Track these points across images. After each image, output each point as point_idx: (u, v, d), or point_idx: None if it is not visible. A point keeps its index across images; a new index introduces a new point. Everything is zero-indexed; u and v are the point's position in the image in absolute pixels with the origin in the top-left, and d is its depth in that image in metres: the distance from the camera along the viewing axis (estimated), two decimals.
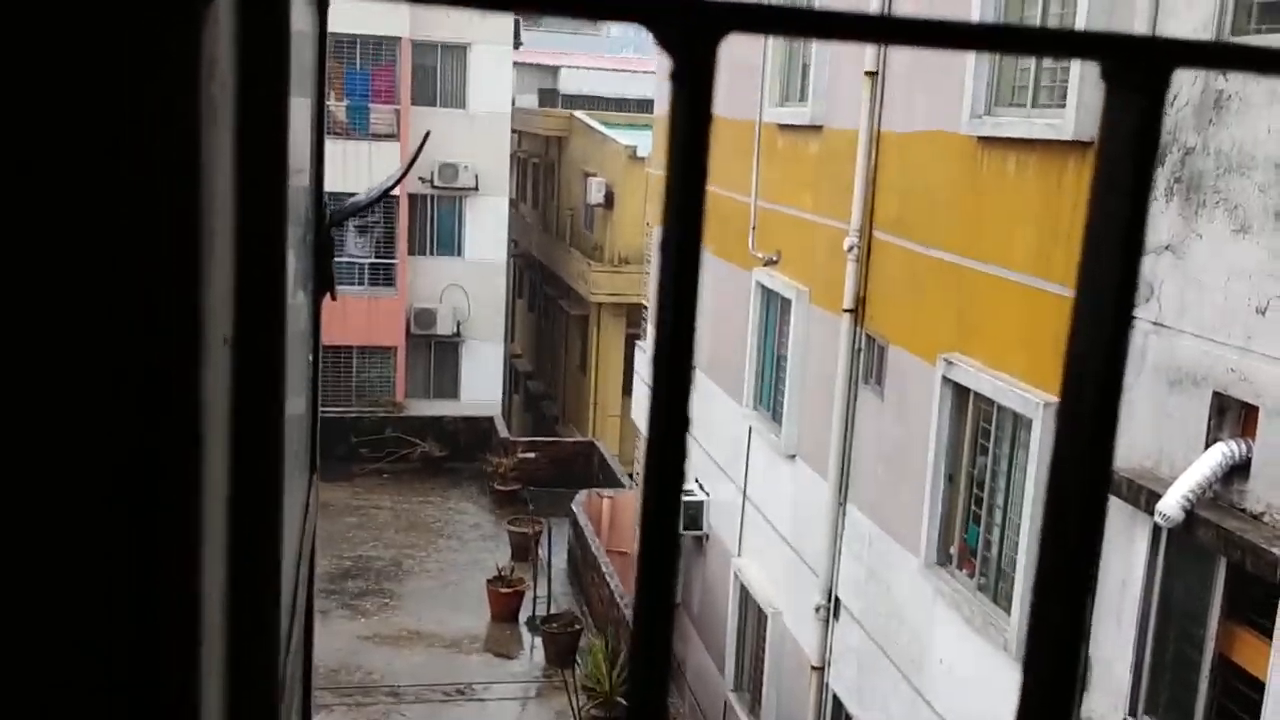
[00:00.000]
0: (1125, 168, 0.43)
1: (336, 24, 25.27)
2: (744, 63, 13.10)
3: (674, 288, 0.39)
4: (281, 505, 1.06)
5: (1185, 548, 6.40)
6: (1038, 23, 8.04)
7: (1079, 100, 7.25)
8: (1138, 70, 0.43)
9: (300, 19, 1.51)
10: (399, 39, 25.05)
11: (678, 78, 0.38)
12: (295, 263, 1.53)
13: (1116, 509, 6.88)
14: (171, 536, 0.62)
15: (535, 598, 17.71)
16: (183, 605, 0.63)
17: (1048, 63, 7.99)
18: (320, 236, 1.89)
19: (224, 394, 0.79)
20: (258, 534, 1.00)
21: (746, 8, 0.38)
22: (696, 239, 0.39)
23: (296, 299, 1.56)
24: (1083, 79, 7.24)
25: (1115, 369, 0.44)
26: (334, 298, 1.98)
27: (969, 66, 8.53)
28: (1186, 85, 6.36)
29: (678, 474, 0.40)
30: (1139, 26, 6.71)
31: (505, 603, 17.87)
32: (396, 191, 24.96)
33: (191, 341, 0.57)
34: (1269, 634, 5.84)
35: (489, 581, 18.08)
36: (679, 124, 0.39)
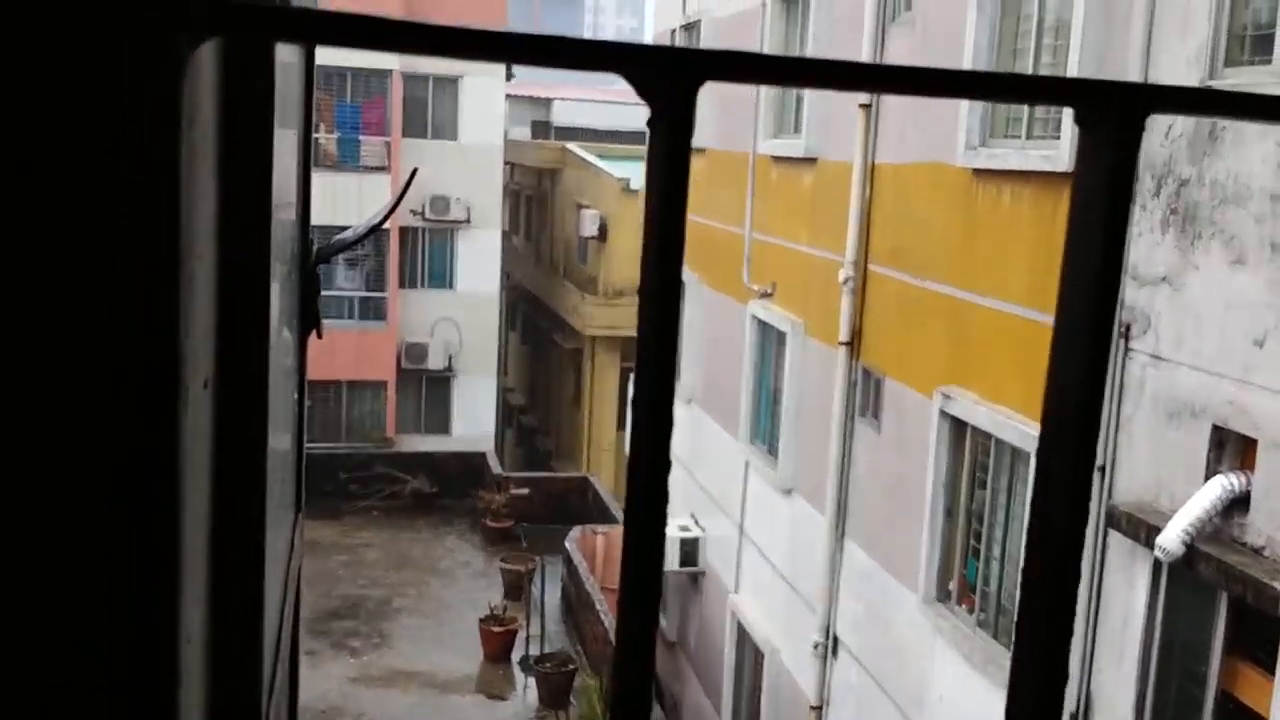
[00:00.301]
0: (1100, 211, 0.43)
1: (327, 57, 25.36)
2: (737, 95, 13.13)
3: (655, 328, 0.38)
4: (264, 549, 1.05)
5: (1186, 583, 6.33)
6: (1031, 55, 8.06)
7: (1074, 132, 7.23)
8: (1111, 116, 0.43)
9: (286, 54, 1.47)
10: (390, 71, 25.13)
11: (654, 125, 0.38)
12: (281, 300, 1.48)
13: (1116, 543, 6.81)
14: (150, 579, 0.62)
15: (528, 637, 17.55)
16: (161, 647, 0.64)
17: None
18: (306, 274, 1.84)
19: (205, 438, 0.79)
20: (240, 577, 1.00)
21: (721, 55, 0.39)
22: (676, 281, 0.39)
23: (281, 337, 1.51)
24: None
25: (1092, 411, 0.45)
26: (319, 335, 1.92)
27: (963, 100, 8.52)
28: (1181, 117, 6.34)
29: (659, 516, 0.42)
30: (1133, 59, 6.71)
31: (498, 642, 17.69)
32: (387, 225, 24.96)
33: (169, 387, 0.58)
34: (1272, 670, 5.76)
35: (481, 620, 17.91)
36: (656, 170, 0.38)
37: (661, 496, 0.42)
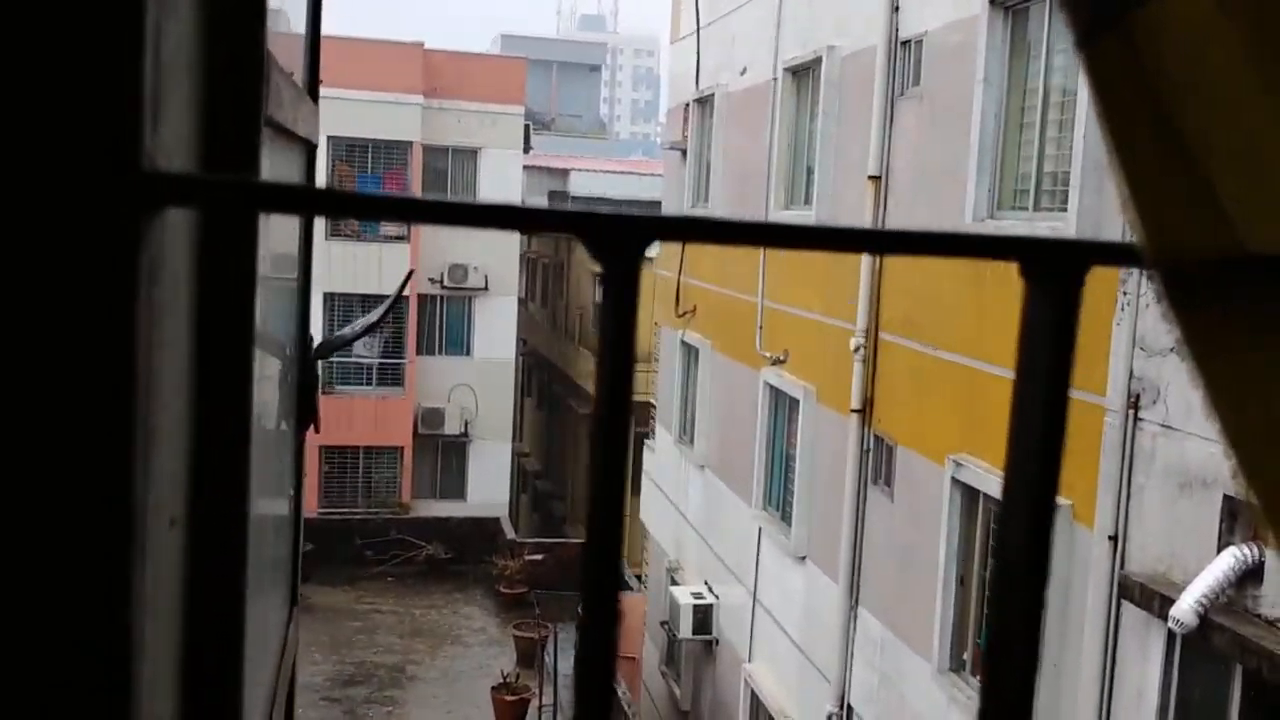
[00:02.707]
0: (1044, 358, 0.45)
1: (348, 128, 25.71)
2: (751, 166, 13.32)
3: (602, 475, 0.40)
4: (241, 680, 1.01)
5: (1200, 654, 6.28)
6: (1037, 129, 8.17)
7: (1080, 203, 7.33)
8: (1053, 269, 0.45)
9: (284, 164, 1.52)
10: (410, 143, 25.53)
11: (605, 280, 0.42)
12: (277, 399, 1.53)
13: (1130, 614, 6.77)
14: None
15: (541, 706, 17.37)
16: None
17: (1049, 166, 8.11)
18: (305, 369, 1.89)
19: (173, 577, 0.76)
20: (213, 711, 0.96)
21: (666, 220, 0.43)
22: (625, 426, 0.42)
23: (278, 432, 1.55)
24: (1083, 182, 7.32)
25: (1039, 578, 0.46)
26: (317, 430, 1.98)
27: (971, 170, 8.65)
28: None
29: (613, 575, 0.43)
30: None
31: (511, 711, 17.52)
32: (407, 293, 25.19)
33: (122, 531, 0.54)
34: None
35: (494, 689, 17.76)
36: (607, 319, 0.42)
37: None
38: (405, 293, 25.26)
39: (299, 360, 1.83)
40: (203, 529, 0.83)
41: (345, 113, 22.74)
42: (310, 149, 1.70)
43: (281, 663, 1.71)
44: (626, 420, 0.42)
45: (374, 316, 2.93)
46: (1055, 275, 0.45)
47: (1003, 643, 0.46)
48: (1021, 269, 0.46)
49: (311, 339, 1.97)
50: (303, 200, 0.43)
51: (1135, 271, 6.89)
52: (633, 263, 0.42)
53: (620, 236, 0.42)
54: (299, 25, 1.90)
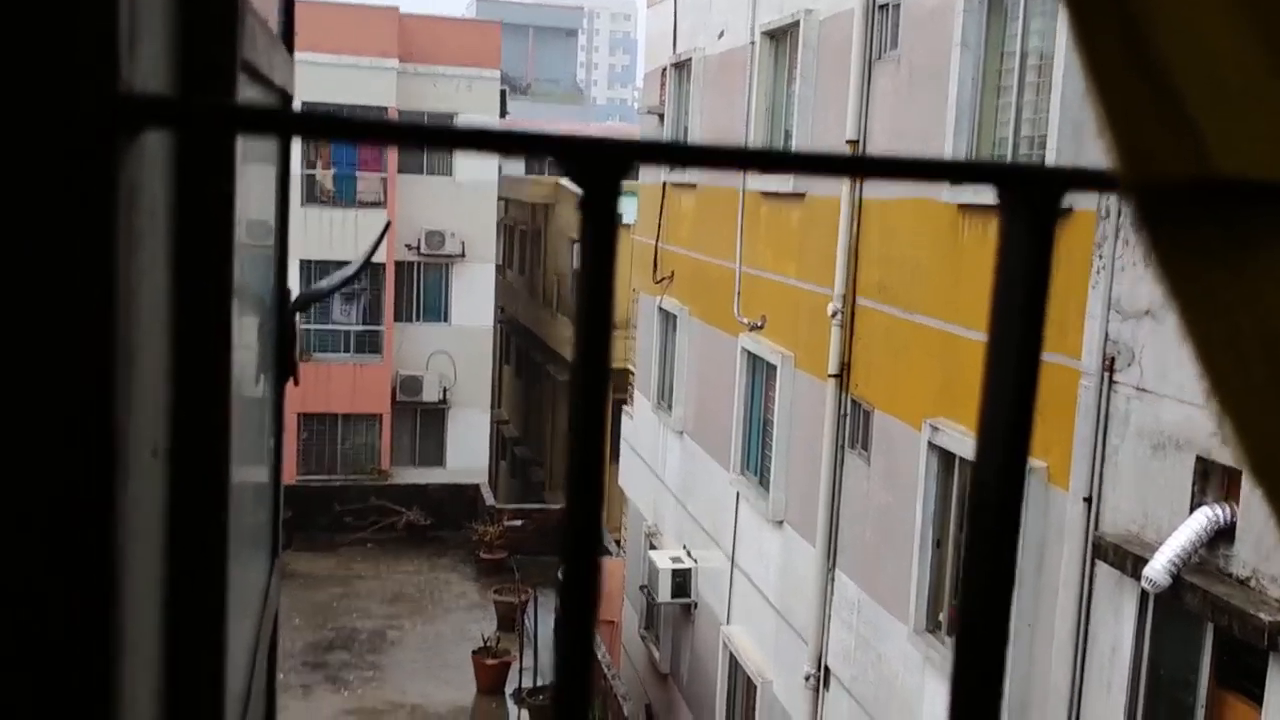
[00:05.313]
0: (1021, 288, 0.45)
1: (323, 93, 25.45)
2: (729, 130, 13.27)
3: (583, 403, 0.41)
4: (225, 625, 1.01)
5: (1173, 613, 6.37)
6: (1014, 92, 8.18)
7: (1058, 164, 7.34)
8: (1029, 197, 0.45)
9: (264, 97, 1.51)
10: (385, 109, 25.31)
11: (585, 206, 0.42)
12: (257, 349, 1.52)
13: (1104, 574, 6.86)
14: (89, 671, 0.56)
15: (522, 669, 17.48)
16: None
17: (1026, 129, 8.12)
18: (283, 322, 1.88)
19: (154, 506, 0.76)
20: (197, 671, 0.95)
21: (644, 144, 0.42)
22: (605, 359, 0.42)
23: (256, 387, 1.55)
24: (1060, 145, 7.34)
25: (1013, 509, 0.46)
26: (296, 383, 1.97)
27: (948, 135, 8.65)
28: None
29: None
30: None
31: (491, 674, 17.63)
32: (384, 260, 25.06)
33: (105, 465, 0.54)
34: (1259, 701, 5.80)
35: (475, 653, 17.85)
36: (586, 246, 0.42)
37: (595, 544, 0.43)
38: (383, 259, 25.10)
39: (278, 313, 1.82)
40: (184, 459, 0.83)
41: (319, 78, 22.50)
42: (286, 100, 1.69)
43: (264, 611, 1.72)
44: (608, 353, 0.42)
45: (351, 269, 2.91)
46: (1031, 202, 0.45)
47: (976, 600, 0.47)
48: (998, 197, 0.46)
49: (290, 291, 1.96)
50: (279, 122, 0.42)
51: (1111, 235, 6.92)
52: (613, 188, 0.42)
53: (600, 161, 0.42)
54: None
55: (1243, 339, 0.41)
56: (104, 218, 0.50)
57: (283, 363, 1.86)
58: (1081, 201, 6.96)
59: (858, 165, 0.47)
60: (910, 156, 0.47)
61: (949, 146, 8.62)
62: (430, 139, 0.43)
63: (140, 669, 0.71)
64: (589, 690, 0.43)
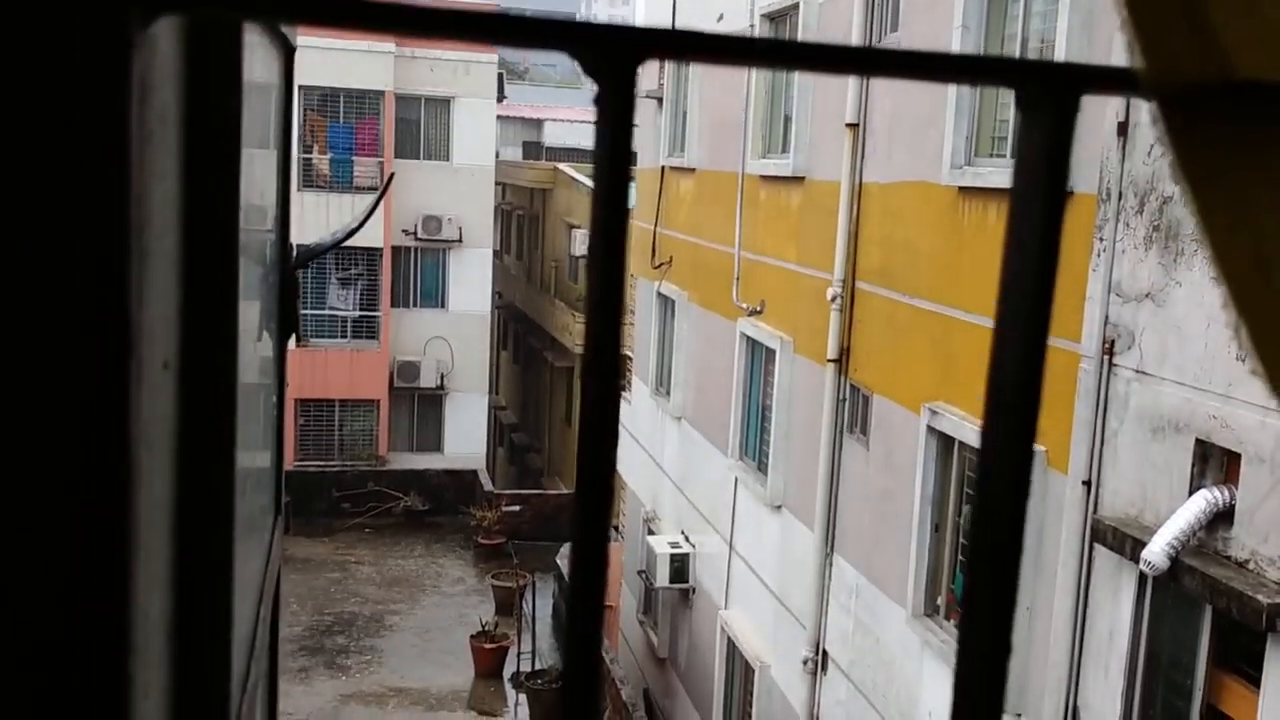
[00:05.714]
0: (1039, 190, 0.44)
1: (320, 78, 25.37)
2: (727, 116, 13.24)
3: (600, 307, 0.40)
4: (232, 539, 1.02)
5: (1171, 596, 6.38)
6: (1018, 38, 8.14)
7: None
8: (1049, 95, 0.44)
9: (263, 66, 1.50)
10: (382, 93, 25.22)
11: (600, 100, 0.40)
12: (259, 302, 1.51)
13: (1102, 557, 6.87)
14: (100, 582, 0.57)
15: (520, 653, 17.52)
16: (113, 655, 0.59)
17: None
18: (286, 278, 1.88)
19: (166, 421, 0.76)
20: (206, 579, 0.95)
21: (662, 33, 0.41)
22: (621, 260, 0.41)
23: (260, 340, 1.54)
24: None
25: (1032, 393, 0.46)
26: (299, 341, 1.97)
27: (949, 118, 8.63)
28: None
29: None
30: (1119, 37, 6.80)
31: (490, 659, 17.67)
32: (381, 244, 25.01)
33: (121, 363, 0.54)
34: (1257, 683, 5.81)
35: (473, 637, 17.88)
36: (601, 143, 0.41)
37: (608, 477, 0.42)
38: (380, 244, 25.05)
39: (280, 269, 1.81)
40: (193, 370, 0.82)
41: (316, 61, 22.41)
42: (289, 52, 1.67)
43: (267, 567, 1.71)
44: (624, 252, 0.41)
45: (354, 224, 2.89)
46: (1049, 100, 0.44)
47: (981, 581, 0.47)
48: (1016, 97, 0.46)
49: (292, 247, 1.95)
50: (285, 5, 0.41)
51: (1111, 218, 6.91)
52: (628, 79, 0.41)
53: (615, 51, 0.40)
54: None
55: (1266, 242, 0.41)
56: (117, 102, 0.49)
57: (286, 318, 1.85)
58: (1082, 185, 6.95)
59: (872, 59, 0.46)
60: (925, 51, 0.45)
61: (949, 131, 8.60)
62: (439, 26, 0.41)
63: (150, 564, 0.71)
64: (598, 683, 0.43)
